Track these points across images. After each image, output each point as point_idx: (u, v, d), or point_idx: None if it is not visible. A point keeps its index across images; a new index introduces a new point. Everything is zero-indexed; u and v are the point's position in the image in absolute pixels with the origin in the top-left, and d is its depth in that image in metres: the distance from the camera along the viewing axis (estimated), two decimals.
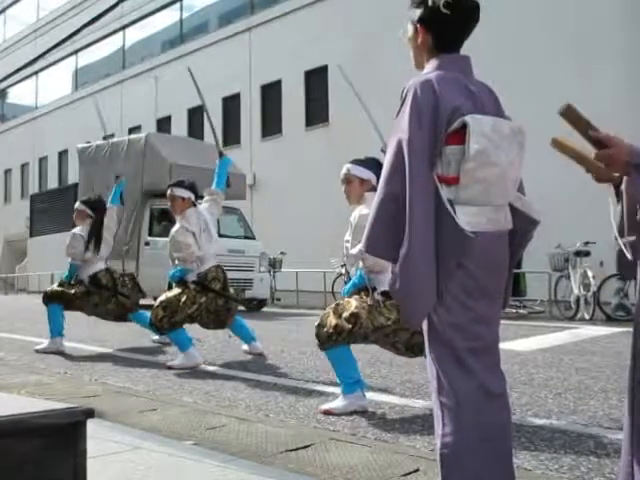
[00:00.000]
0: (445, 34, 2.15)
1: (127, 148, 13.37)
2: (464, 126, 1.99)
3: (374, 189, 3.83)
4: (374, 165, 3.93)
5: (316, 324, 3.84)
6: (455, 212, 1.97)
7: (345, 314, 3.75)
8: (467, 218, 1.97)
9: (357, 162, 4.05)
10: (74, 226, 6.99)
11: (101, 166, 13.57)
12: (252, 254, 13.06)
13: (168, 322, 5.54)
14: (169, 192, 5.74)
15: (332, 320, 3.76)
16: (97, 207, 6.92)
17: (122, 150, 13.48)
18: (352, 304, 3.80)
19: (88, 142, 15.51)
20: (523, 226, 2.15)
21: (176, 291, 5.65)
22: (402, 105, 2.05)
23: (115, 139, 15.44)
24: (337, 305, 3.88)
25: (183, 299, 5.57)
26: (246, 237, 13.65)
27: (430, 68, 2.14)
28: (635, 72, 13.04)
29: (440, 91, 2.01)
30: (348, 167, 4.03)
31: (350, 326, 3.71)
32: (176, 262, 5.71)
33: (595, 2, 14.07)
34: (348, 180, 4.01)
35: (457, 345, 2.02)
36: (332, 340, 3.75)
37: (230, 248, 12.24)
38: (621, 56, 13.31)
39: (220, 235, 12.44)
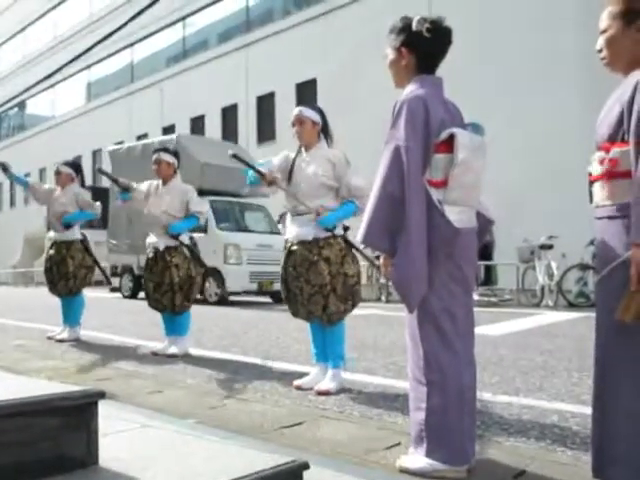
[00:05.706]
0: (427, 55, 2.25)
1: None
2: (451, 137, 2.11)
3: (321, 132, 3.94)
4: (319, 111, 3.95)
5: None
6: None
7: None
8: (454, 216, 2.09)
9: (307, 105, 4.00)
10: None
11: (133, 167, 13.12)
12: (279, 249, 12.75)
13: (188, 301, 5.39)
14: (156, 156, 5.48)
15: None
16: (79, 168, 6.76)
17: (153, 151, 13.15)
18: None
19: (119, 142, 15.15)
20: (482, 225, 2.30)
21: (182, 269, 5.32)
22: (397, 117, 2.14)
23: (146, 140, 15.15)
24: None
25: (192, 273, 5.37)
26: (272, 232, 12.76)
27: (415, 86, 2.22)
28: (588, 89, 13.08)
29: (429, 106, 2.12)
30: (300, 109, 3.93)
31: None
32: (196, 215, 5.41)
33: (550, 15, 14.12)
34: (300, 121, 3.89)
35: (445, 327, 2.13)
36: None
37: (259, 243, 11.85)
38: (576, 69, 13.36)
39: (249, 230, 12.30)
